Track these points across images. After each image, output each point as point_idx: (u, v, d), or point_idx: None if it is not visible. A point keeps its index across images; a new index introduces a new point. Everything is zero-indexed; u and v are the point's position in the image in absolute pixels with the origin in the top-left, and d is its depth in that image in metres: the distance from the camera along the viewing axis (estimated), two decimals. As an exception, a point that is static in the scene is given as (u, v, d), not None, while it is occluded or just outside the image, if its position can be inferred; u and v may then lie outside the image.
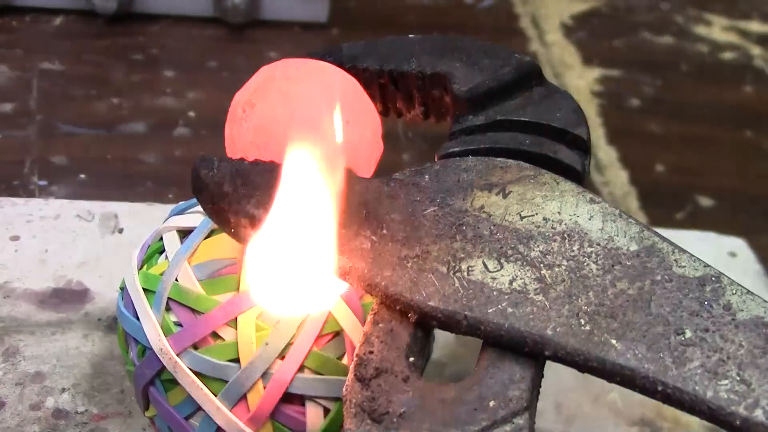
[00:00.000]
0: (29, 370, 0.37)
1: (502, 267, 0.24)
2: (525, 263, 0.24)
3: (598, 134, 0.63)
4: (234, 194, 0.27)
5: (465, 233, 0.25)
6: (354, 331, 0.30)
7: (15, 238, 0.44)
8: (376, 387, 0.22)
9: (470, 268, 0.24)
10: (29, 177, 0.53)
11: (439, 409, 0.22)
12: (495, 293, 0.23)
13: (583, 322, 0.23)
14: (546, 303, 0.23)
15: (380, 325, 0.24)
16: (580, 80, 0.69)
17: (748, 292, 0.23)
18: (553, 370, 0.25)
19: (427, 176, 0.27)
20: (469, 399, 0.22)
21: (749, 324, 0.22)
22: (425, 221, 0.25)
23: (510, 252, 0.24)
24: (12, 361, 0.37)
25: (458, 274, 0.24)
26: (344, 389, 0.23)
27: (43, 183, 0.53)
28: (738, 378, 0.21)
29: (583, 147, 0.29)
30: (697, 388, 0.21)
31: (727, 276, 0.24)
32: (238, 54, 0.68)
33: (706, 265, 0.24)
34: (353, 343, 0.30)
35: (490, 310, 0.23)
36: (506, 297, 0.23)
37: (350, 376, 0.23)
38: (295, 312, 0.30)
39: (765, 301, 0.23)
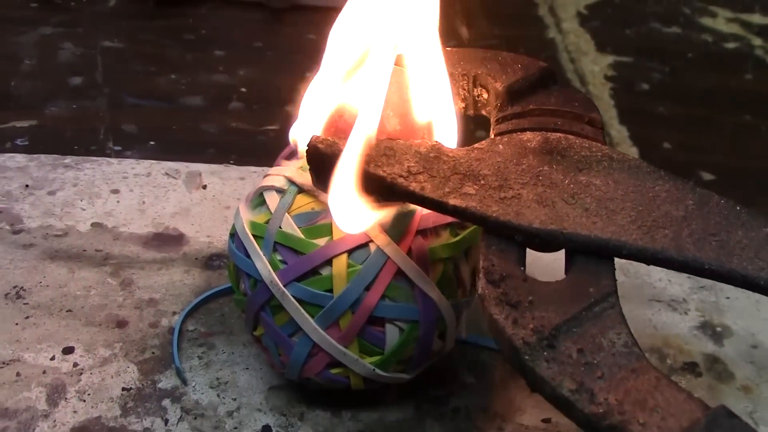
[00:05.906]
0: (144, 297, 0.46)
1: (576, 202, 0.34)
2: (593, 199, 0.35)
3: (611, 115, 0.71)
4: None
5: (543, 181, 0.35)
6: (418, 276, 0.38)
7: (115, 192, 0.52)
8: (505, 286, 0.32)
9: (554, 203, 0.34)
10: (105, 143, 0.62)
11: (555, 296, 0.32)
12: (578, 217, 0.34)
13: (645, 230, 0.33)
14: (618, 221, 0.34)
15: (493, 247, 0.33)
16: (594, 65, 0.78)
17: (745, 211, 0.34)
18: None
19: (500, 146, 0.37)
20: (574, 288, 0.32)
21: (753, 226, 0.34)
22: (511, 174, 0.36)
23: (579, 192, 0.35)
24: (129, 289, 0.46)
25: (547, 207, 0.34)
26: (479, 290, 0.32)
27: (117, 148, 0.61)
28: (757, 258, 0.32)
29: (598, 126, 0.39)
30: (734, 266, 0.32)
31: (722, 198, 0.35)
32: (281, 36, 0.76)
33: (720, 197, 0.35)
34: (418, 281, 0.39)
35: (578, 228, 0.33)
36: (586, 219, 0.34)
37: (482, 282, 0.32)
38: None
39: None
